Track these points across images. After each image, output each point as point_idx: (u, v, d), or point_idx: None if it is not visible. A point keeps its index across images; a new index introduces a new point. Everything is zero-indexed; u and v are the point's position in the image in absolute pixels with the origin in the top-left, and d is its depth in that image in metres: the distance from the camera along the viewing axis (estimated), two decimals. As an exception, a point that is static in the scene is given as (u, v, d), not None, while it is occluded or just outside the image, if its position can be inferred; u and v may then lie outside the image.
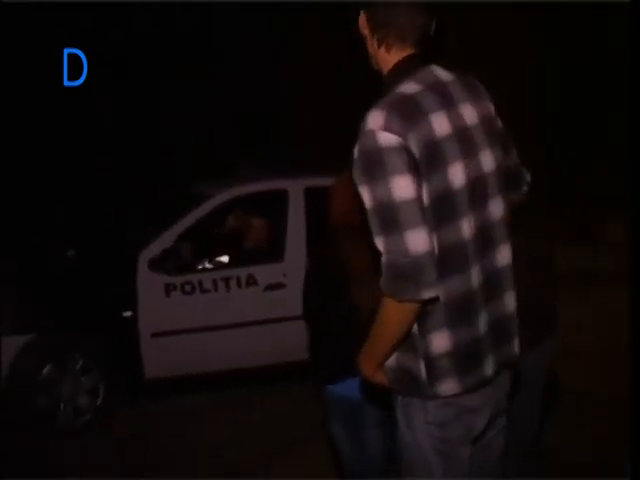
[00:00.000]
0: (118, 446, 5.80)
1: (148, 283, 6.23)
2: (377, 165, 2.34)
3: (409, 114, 2.37)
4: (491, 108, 2.61)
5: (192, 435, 5.92)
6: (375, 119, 2.36)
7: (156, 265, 6.22)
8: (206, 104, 12.06)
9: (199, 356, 6.33)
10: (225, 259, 6.49)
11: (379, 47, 2.53)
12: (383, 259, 2.35)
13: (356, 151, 2.40)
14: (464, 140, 2.45)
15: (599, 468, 4.74)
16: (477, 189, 2.47)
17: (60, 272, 6.56)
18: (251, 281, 6.42)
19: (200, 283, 6.32)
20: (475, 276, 2.46)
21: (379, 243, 2.36)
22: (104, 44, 11.11)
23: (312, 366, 3.76)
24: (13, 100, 10.77)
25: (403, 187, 2.32)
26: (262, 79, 12.24)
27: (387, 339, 2.45)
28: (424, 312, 2.40)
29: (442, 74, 2.53)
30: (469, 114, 2.50)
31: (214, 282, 6.34)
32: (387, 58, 2.52)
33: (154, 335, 6.22)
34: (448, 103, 2.46)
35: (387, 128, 2.34)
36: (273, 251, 6.58)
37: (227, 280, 6.37)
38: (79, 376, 6.11)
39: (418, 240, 2.31)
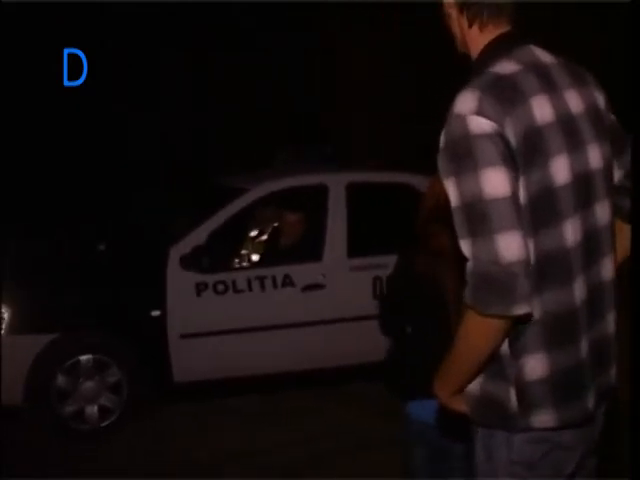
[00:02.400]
0: (141, 452, 5.51)
1: (178, 281, 5.86)
2: (466, 155, 1.96)
3: (506, 97, 1.99)
4: (600, 98, 2.22)
5: (214, 440, 5.64)
6: (466, 102, 1.99)
7: (187, 262, 5.84)
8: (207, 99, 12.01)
9: (230, 360, 5.96)
10: (260, 257, 6.11)
11: (470, 26, 2.16)
12: (468, 265, 1.97)
13: (442, 139, 2.03)
14: (569, 130, 2.07)
15: (599, 468, 4.55)
16: (583, 188, 2.08)
17: (88, 267, 6.23)
18: (287, 281, 6.04)
19: (233, 283, 5.94)
20: (578, 291, 2.07)
21: (465, 247, 1.99)
22: (104, 44, 11.11)
23: (390, 382, 3.50)
24: (13, 100, 10.73)
25: (496, 182, 1.94)
26: (305, 76, 12.19)
27: (468, 360, 2.07)
28: (516, 331, 2.02)
29: (542, 55, 2.16)
30: (574, 101, 2.12)
31: (248, 282, 5.96)
32: (478, 38, 2.16)
33: (183, 336, 5.85)
34: (551, 87, 2.08)
35: (480, 112, 1.97)
36: (311, 250, 6.19)
37: (262, 280, 5.99)
38: (105, 378, 5.77)
39: (511, 245, 1.92)
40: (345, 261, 6.17)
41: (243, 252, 6.39)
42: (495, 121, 1.96)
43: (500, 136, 1.96)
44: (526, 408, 2.06)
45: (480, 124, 1.96)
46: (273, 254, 6.17)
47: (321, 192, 6.23)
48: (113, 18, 11.46)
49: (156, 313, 5.81)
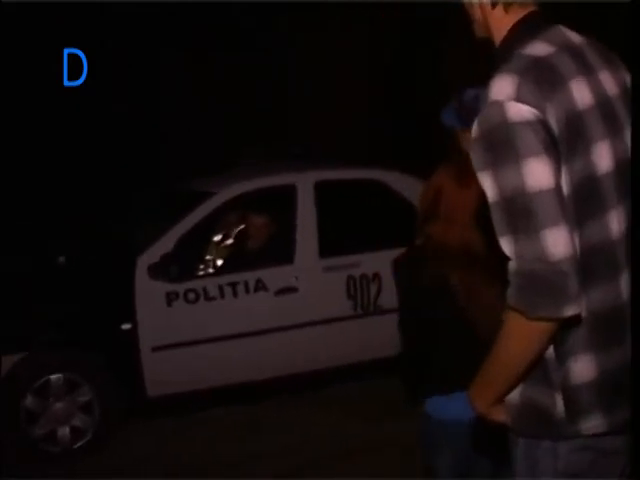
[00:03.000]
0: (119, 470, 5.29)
1: (148, 292, 5.65)
2: (506, 145, 1.81)
3: (545, 80, 1.85)
4: (628, 80, 2.09)
5: (200, 450, 5.49)
6: (503, 87, 1.84)
7: (156, 272, 5.63)
8: (206, 99, 11.96)
9: (206, 370, 5.77)
10: (227, 262, 5.91)
11: (494, 6, 2.01)
12: (512, 265, 1.83)
13: (476, 128, 1.88)
14: (608, 114, 1.94)
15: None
16: (623, 176, 1.95)
17: (50, 282, 5.98)
18: (260, 286, 5.86)
19: (205, 290, 5.74)
20: (624, 286, 1.94)
21: (506, 245, 1.84)
22: (104, 44, 11.06)
23: (408, 381, 3.39)
24: (13, 100, 10.63)
25: (539, 173, 1.80)
26: (267, 74, 12.13)
27: (511, 366, 1.93)
28: (561, 332, 1.88)
29: (573, 35, 2.03)
30: (609, 84, 1.99)
31: (220, 288, 5.77)
32: (503, 19, 2.01)
33: (155, 349, 5.64)
34: (587, 69, 1.95)
35: (519, 98, 1.82)
36: (282, 252, 6.02)
37: (234, 286, 5.81)
38: (76, 398, 5.53)
39: (558, 241, 1.78)
40: (317, 262, 6.02)
41: (207, 257, 6.19)
42: (535, 107, 1.82)
43: (541, 123, 1.82)
44: (574, 414, 1.93)
45: (520, 110, 1.82)
46: (242, 258, 5.98)
47: (289, 192, 6.06)
48: (113, 18, 11.36)
49: (126, 326, 5.59)
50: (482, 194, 2.90)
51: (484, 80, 1.95)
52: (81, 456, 5.50)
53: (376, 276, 6.10)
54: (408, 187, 6.33)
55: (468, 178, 2.97)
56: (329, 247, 6.05)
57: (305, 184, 6.08)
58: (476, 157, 1.88)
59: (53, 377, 5.49)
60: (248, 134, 11.31)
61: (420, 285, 2.92)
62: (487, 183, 1.86)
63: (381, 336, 6.09)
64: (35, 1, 10.14)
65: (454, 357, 2.90)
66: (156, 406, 5.75)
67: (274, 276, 5.91)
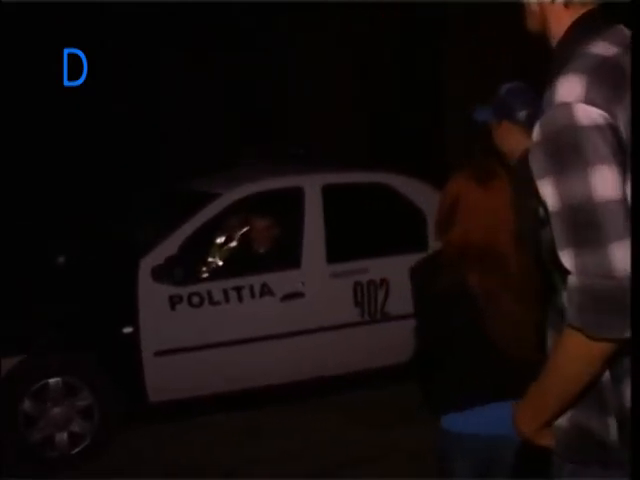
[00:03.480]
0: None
1: (151, 295, 5.50)
2: (573, 150, 1.68)
3: (614, 82, 1.72)
4: None
5: (199, 455, 5.37)
6: (571, 88, 1.71)
7: (159, 274, 5.49)
8: (206, 99, 12.04)
9: (208, 376, 5.63)
10: (231, 265, 5.77)
11: (553, 1, 1.88)
12: (573, 281, 1.70)
13: (539, 131, 1.74)
14: None
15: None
16: None
17: (49, 282, 5.83)
18: (266, 290, 5.73)
19: (209, 294, 5.60)
20: None
21: (567, 258, 1.71)
22: (104, 44, 11.12)
23: (427, 393, 3.28)
24: (13, 100, 10.66)
25: (608, 181, 1.67)
26: (267, 74, 12.13)
27: (567, 389, 1.80)
28: (619, 353, 1.76)
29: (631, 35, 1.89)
30: None
31: (225, 292, 5.63)
32: (563, 15, 1.87)
33: (158, 353, 5.50)
34: None
35: (588, 100, 1.69)
36: (289, 256, 5.88)
37: (239, 290, 5.67)
38: (75, 402, 5.39)
39: (625, 256, 1.65)
40: (325, 267, 5.88)
41: (212, 260, 6.06)
42: (605, 110, 1.69)
43: (611, 127, 1.69)
44: (628, 439, 1.81)
45: (589, 113, 1.69)
46: (248, 262, 5.84)
47: (296, 195, 5.93)
48: (113, 18, 11.40)
49: (128, 330, 5.45)
50: (505, 195, 2.81)
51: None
52: (79, 462, 5.36)
53: (383, 282, 5.97)
54: (416, 191, 6.22)
55: (492, 178, 2.87)
56: (336, 252, 5.92)
57: (313, 187, 5.95)
58: (537, 162, 1.75)
59: (52, 381, 5.35)
60: (248, 134, 11.22)
61: (436, 291, 2.81)
62: (548, 191, 1.73)
63: (388, 343, 5.98)
64: (35, 1, 10.21)
65: (470, 363, 2.82)
66: (157, 411, 5.61)
67: (280, 281, 5.78)
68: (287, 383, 5.78)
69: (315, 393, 5.97)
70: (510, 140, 3.10)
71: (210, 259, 5.72)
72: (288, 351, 5.76)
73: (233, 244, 5.88)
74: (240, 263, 5.80)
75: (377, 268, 5.98)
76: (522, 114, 3.08)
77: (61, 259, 6.12)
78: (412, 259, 6.09)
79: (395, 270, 6.00)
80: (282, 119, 11.99)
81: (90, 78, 9.59)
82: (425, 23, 10.95)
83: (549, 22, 1.91)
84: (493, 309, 2.77)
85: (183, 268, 5.49)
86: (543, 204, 1.78)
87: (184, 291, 5.54)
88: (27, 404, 5.30)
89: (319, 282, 5.85)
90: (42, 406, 5.34)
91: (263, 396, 5.81)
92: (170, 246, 5.58)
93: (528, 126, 2.72)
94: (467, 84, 9.63)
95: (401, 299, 5.99)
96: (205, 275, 5.66)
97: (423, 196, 6.21)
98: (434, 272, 2.87)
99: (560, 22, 1.88)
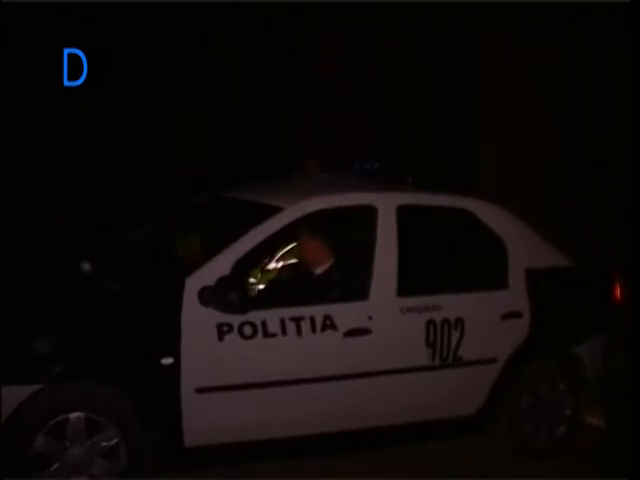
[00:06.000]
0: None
1: (196, 321, 4.64)
2: None
3: None
4: None
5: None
6: None
7: (209, 297, 4.63)
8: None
9: (257, 420, 4.79)
10: (295, 293, 4.95)
11: None
12: None
13: None
14: None
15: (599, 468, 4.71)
16: None
17: (72, 294, 4.95)
18: (328, 324, 4.90)
19: (264, 324, 4.76)
20: None
21: None
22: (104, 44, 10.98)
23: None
24: (13, 100, 10.49)
25: None
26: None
27: None
28: None
29: None
30: None
31: (282, 323, 4.80)
32: None
33: (200, 390, 4.64)
34: None
35: None
36: (356, 286, 5.06)
37: (298, 321, 4.83)
38: (98, 443, 4.52)
39: None
40: (395, 300, 5.08)
41: (251, 281, 5.24)
42: None
43: None
44: None
45: None
46: (308, 289, 5.02)
47: (368, 215, 5.12)
48: (113, 18, 11.22)
49: (167, 361, 4.57)
50: None
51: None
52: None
53: (459, 322, 5.18)
54: (498, 219, 5.47)
55: None
56: (409, 284, 5.11)
57: (387, 206, 5.14)
58: None
59: (72, 416, 4.47)
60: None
61: None
62: None
63: (458, 392, 5.23)
64: (35, 1, 10.03)
65: None
66: (192, 457, 4.76)
67: (345, 313, 4.95)
68: (346, 431, 4.97)
69: (374, 444, 5.18)
70: None
71: (266, 283, 4.88)
72: (348, 395, 4.95)
73: (293, 267, 5.05)
74: (300, 289, 4.98)
75: (453, 305, 5.19)
76: None
77: (86, 265, 5.24)
78: (490, 297, 5.44)
79: (471, 309, 5.24)
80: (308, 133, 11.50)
81: (90, 78, 9.41)
82: (459, 56, 10.94)
83: None
84: None
85: (238, 291, 4.63)
86: None
87: (234, 319, 4.69)
88: (40, 442, 4.42)
89: (388, 317, 5.04)
90: (59, 445, 4.47)
91: (316, 445, 4.99)
92: (221, 264, 4.73)
93: None
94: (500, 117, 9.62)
95: (475, 343, 5.25)
96: (260, 301, 4.81)
97: (505, 225, 5.46)
98: None
99: None
